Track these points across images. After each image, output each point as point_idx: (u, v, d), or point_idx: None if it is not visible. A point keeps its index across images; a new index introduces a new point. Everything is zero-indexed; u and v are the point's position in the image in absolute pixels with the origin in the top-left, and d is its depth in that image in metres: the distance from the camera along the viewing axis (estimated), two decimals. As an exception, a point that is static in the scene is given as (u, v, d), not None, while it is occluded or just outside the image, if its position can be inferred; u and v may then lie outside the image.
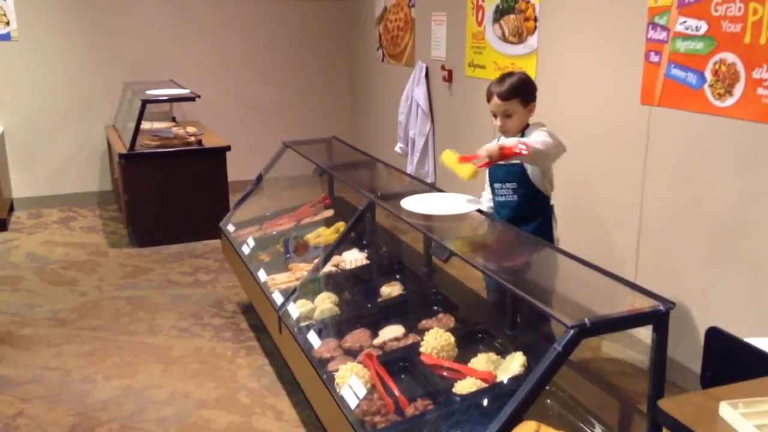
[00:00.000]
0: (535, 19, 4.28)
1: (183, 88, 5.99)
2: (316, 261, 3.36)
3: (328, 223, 3.95)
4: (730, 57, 2.99)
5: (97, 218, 6.22)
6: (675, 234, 3.38)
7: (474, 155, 2.78)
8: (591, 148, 3.82)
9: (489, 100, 3.01)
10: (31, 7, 6.13)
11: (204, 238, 5.44)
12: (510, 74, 3.05)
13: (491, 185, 3.14)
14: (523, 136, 2.97)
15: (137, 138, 5.27)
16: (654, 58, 3.39)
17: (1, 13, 6.05)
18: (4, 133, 6.19)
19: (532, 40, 4.33)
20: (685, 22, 3.20)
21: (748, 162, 2.96)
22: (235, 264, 4.08)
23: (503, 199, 3.07)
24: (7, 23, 6.08)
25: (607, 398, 2.38)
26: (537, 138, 2.83)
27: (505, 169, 3.02)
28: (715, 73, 3.07)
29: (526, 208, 3.02)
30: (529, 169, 2.97)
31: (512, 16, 4.50)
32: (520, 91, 2.96)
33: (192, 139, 5.59)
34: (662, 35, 3.33)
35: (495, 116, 3.02)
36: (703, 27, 3.10)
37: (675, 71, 3.28)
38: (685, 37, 3.20)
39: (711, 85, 3.09)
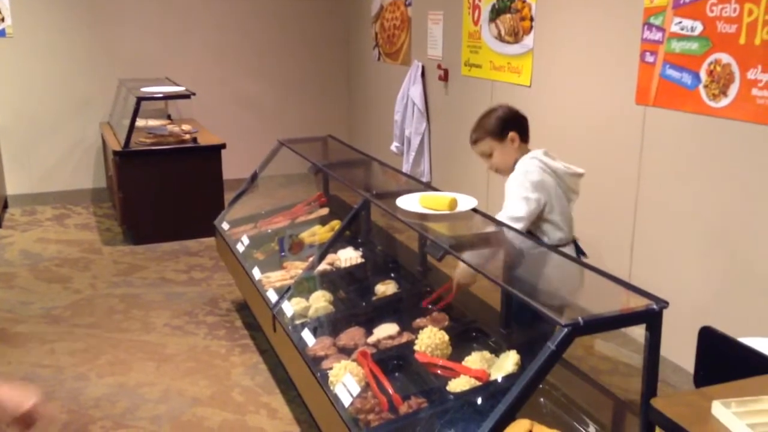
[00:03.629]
0: (531, 19, 4.28)
1: (178, 85, 5.97)
2: (310, 259, 3.36)
3: (323, 221, 3.95)
4: (725, 57, 3.00)
5: (91, 216, 6.21)
6: (669, 233, 3.39)
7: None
8: (586, 147, 3.83)
9: None
10: (26, 3, 6.10)
11: (199, 236, 5.43)
12: (484, 114, 2.88)
13: None
14: None
15: (132, 135, 5.26)
16: (649, 59, 3.39)
17: (-5, 9, 6.03)
18: (-1, 129, 6.18)
19: (528, 40, 4.33)
20: (680, 22, 3.20)
21: (742, 162, 2.97)
22: (229, 262, 4.08)
23: None
24: (2, 19, 6.06)
25: (600, 397, 2.38)
26: (503, 215, 2.68)
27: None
28: (710, 73, 3.07)
29: None
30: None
31: (508, 16, 4.50)
32: (487, 127, 2.82)
33: (187, 136, 5.58)
34: (657, 35, 3.33)
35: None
36: (699, 27, 3.11)
37: (670, 71, 3.28)
38: (681, 37, 3.21)
39: (706, 86, 3.10)
